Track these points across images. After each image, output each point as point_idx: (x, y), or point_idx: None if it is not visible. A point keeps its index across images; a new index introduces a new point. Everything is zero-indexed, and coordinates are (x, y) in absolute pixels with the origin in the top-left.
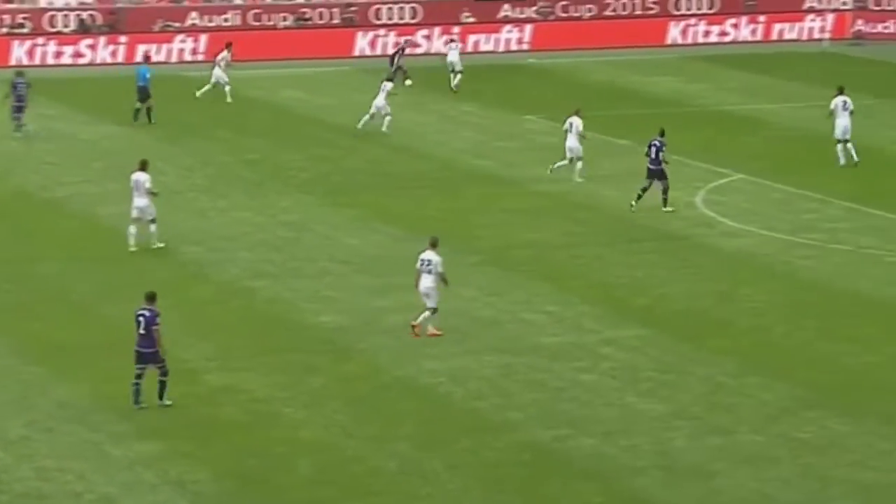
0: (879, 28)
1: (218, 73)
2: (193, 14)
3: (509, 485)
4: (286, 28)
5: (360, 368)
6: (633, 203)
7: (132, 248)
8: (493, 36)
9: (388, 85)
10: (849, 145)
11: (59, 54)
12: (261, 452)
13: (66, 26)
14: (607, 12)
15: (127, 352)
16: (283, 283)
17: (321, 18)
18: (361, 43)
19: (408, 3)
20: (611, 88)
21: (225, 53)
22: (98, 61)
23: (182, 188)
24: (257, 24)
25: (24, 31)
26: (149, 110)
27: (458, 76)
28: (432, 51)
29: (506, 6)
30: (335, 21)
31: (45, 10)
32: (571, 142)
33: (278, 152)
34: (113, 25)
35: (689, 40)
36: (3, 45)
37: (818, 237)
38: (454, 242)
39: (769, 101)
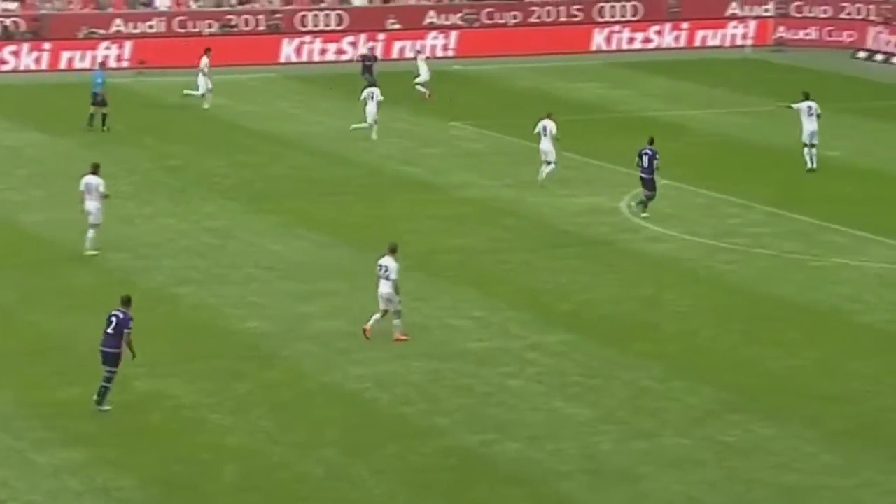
0: (801, 35)
1: (202, 80)
2: (118, 21)
3: (436, 490)
4: (211, 35)
5: (285, 374)
6: (644, 214)
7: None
8: (419, 42)
9: (376, 91)
10: (814, 150)
11: None
12: (187, 459)
13: None
14: (532, 19)
15: (51, 359)
16: (209, 290)
17: (247, 25)
18: (287, 50)
19: (333, 10)
20: (536, 94)
21: (205, 59)
22: (22, 68)
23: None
24: (182, 30)
25: None
26: (104, 117)
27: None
28: (355, 58)
29: (431, 13)
30: (261, 28)
31: None
32: (545, 145)
33: (202, 159)
34: (37, 32)
35: (614, 47)
36: None
37: (741, 242)
38: (380, 248)
39: (692, 107)
